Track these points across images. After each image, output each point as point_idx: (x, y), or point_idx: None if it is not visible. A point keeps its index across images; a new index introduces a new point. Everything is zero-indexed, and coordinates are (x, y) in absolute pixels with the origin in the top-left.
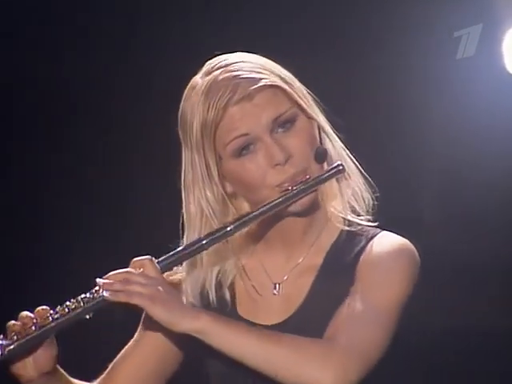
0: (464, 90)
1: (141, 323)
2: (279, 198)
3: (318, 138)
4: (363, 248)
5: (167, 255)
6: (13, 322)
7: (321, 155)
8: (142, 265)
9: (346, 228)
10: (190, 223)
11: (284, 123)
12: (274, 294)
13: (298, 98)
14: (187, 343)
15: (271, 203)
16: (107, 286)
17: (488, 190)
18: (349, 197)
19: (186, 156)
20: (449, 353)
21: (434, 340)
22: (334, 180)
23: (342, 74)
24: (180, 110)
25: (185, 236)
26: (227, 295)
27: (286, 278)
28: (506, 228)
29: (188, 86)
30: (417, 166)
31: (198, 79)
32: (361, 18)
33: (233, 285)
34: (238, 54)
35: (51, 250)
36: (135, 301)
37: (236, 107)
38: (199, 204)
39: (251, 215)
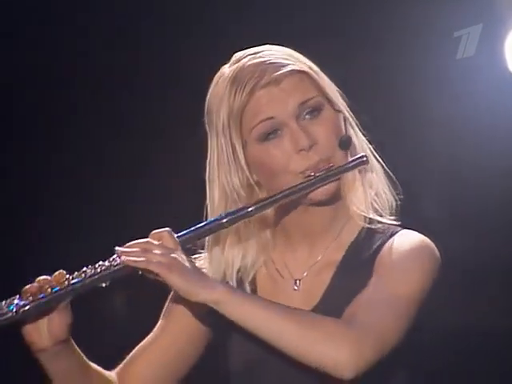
0: (464, 89)
1: (165, 311)
2: (302, 183)
3: (344, 131)
4: (383, 244)
5: (187, 230)
6: (30, 284)
7: (345, 142)
8: (161, 237)
9: (367, 225)
10: (214, 211)
11: (311, 111)
12: (294, 290)
13: (325, 88)
14: (212, 325)
15: (294, 187)
16: (126, 253)
17: (488, 189)
18: (372, 197)
19: (211, 143)
20: (449, 353)
21: (433, 340)
22: (356, 172)
23: (342, 74)
24: (207, 98)
25: None
26: (248, 290)
27: (305, 274)
28: (506, 228)
29: (216, 75)
30: (417, 165)
31: (226, 68)
32: (361, 18)
33: (254, 280)
34: (266, 45)
35: (51, 249)
36: (153, 268)
37: (263, 91)
38: (224, 190)
39: (273, 198)
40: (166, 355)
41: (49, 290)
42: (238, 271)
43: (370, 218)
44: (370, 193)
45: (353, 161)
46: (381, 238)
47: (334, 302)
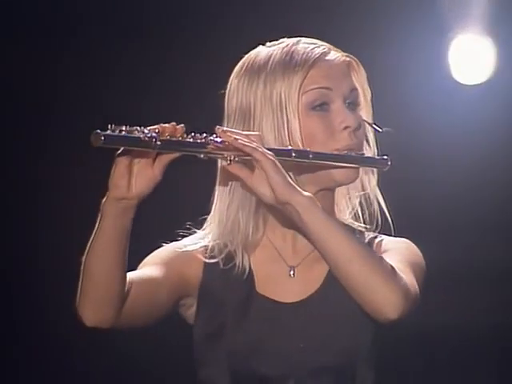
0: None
1: (161, 257)
2: (338, 154)
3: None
4: (371, 243)
5: (276, 147)
6: (154, 126)
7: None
8: (255, 137)
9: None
10: None
11: (351, 103)
12: (290, 276)
13: (365, 83)
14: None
15: (333, 155)
16: (231, 135)
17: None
18: (356, 203)
19: (261, 110)
20: (449, 353)
21: (433, 339)
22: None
23: None
24: (245, 71)
25: None
26: (246, 265)
27: (301, 262)
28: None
29: (253, 52)
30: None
31: (268, 48)
32: (361, 17)
33: (250, 259)
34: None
35: (51, 249)
36: (259, 156)
37: (325, 64)
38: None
39: (321, 154)
40: (153, 294)
41: (168, 136)
42: (242, 241)
43: (350, 222)
44: (357, 198)
45: (378, 159)
46: (366, 239)
47: (333, 292)
